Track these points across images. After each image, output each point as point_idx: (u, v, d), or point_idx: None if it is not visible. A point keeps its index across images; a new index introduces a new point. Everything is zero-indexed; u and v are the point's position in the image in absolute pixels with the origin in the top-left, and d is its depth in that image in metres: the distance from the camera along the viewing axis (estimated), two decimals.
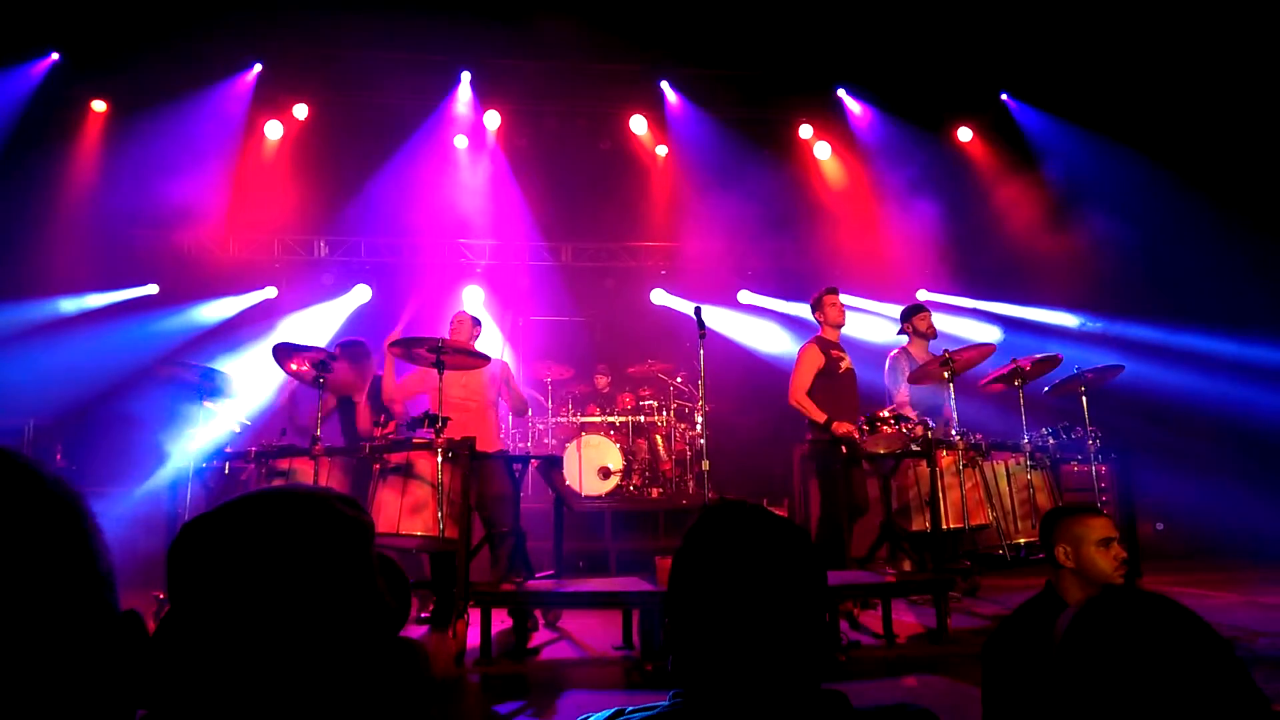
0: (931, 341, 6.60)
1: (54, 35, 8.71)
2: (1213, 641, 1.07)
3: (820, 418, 6.00)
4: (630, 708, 1.22)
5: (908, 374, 6.41)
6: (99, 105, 9.32)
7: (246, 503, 1.05)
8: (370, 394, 6.31)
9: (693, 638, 1.20)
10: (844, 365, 6.33)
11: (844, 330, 6.53)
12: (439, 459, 4.99)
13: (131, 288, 9.56)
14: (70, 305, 9.06)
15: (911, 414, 6.10)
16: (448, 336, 6.07)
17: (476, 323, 6.34)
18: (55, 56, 8.86)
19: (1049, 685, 1.16)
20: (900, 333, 6.74)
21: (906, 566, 5.78)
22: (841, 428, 5.87)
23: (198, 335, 9.39)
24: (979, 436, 5.73)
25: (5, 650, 0.63)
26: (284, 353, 5.51)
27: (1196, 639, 1.07)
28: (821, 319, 6.46)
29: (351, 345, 6.51)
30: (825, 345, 6.34)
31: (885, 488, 5.85)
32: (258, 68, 9.52)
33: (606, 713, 1.23)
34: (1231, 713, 1.02)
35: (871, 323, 9.44)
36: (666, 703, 1.20)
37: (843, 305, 6.49)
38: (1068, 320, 9.82)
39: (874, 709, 1.21)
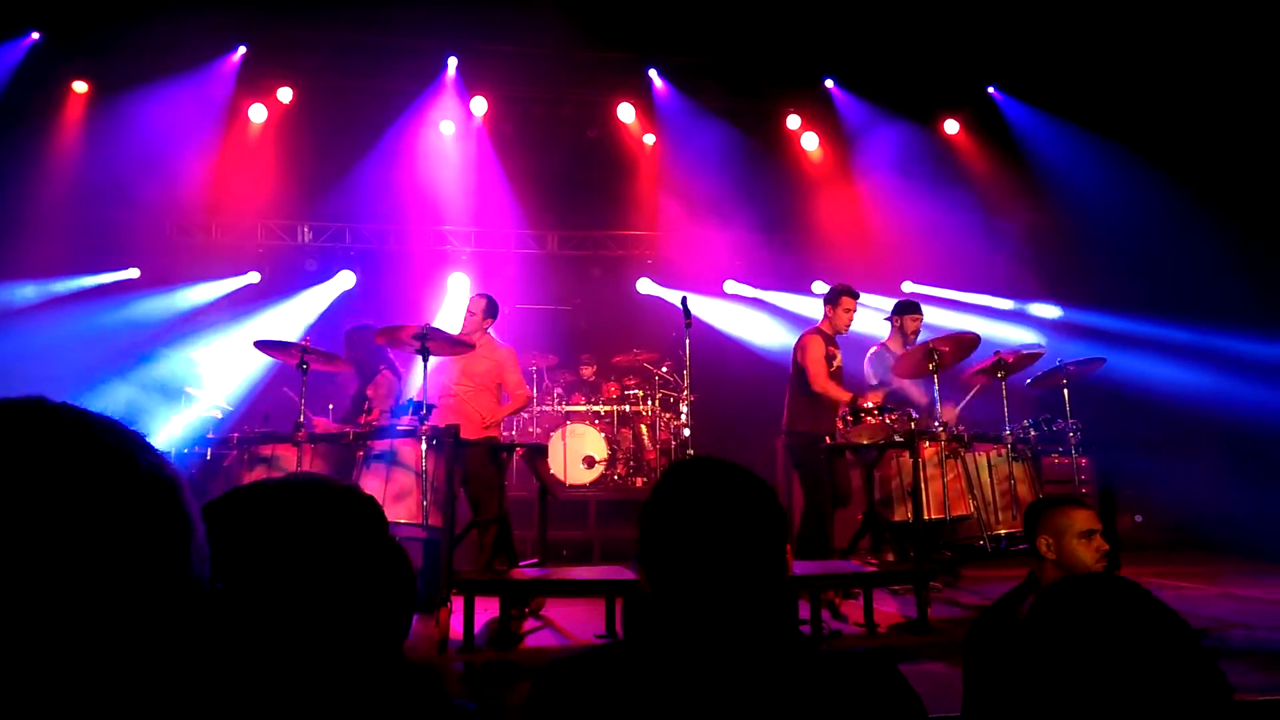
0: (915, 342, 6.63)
1: (34, 14, 8.57)
2: (1177, 627, 1.08)
3: (846, 397, 6.03)
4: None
5: (887, 370, 6.46)
6: (80, 86, 9.17)
7: (270, 488, 1.06)
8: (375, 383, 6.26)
9: (661, 575, 1.27)
10: (836, 363, 6.40)
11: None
12: (423, 446, 4.98)
13: (112, 271, 9.46)
14: (49, 288, 8.95)
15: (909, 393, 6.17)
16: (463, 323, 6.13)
17: (489, 306, 6.28)
18: (36, 36, 8.71)
19: (1017, 668, 1.18)
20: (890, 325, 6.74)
21: (889, 556, 5.82)
22: (872, 397, 5.93)
23: (179, 320, 9.31)
24: (961, 428, 5.77)
25: (95, 634, 0.63)
26: (267, 347, 5.54)
27: (1160, 624, 1.09)
28: (830, 315, 6.48)
29: (356, 331, 6.47)
30: (826, 339, 6.39)
31: (868, 478, 5.89)
32: (242, 50, 9.40)
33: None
34: (1193, 698, 1.04)
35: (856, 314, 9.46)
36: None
37: (855, 312, 6.48)
38: (1050, 312, 9.88)
39: (835, 652, 1.26)
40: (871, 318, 7.31)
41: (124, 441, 0.69)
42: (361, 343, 6.29)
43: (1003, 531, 5.58)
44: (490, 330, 6.34)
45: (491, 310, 6.24)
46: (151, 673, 0.65)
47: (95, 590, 0.63)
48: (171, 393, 6.01)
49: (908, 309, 6.67)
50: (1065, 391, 5.97)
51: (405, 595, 1.07)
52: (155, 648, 0.66)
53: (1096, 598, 1.13)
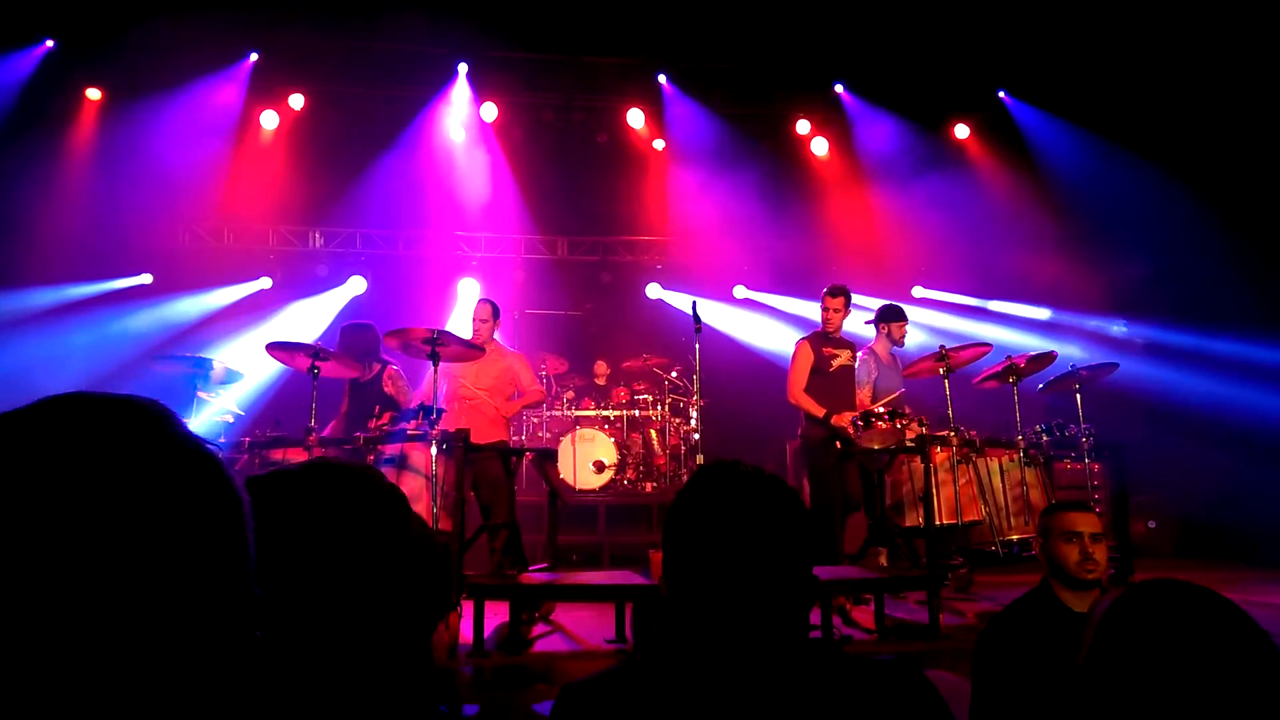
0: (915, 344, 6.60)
1: (49, 23, 8.65)
2: (1252, 631, 1.06)
3: (819, 412, 6.03)
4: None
5: (875, 375, 6.41)
6: (94, 93, 9.24)
7: (302, 470, 1.05)
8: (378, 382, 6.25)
9: (686, 584, 1.24)
10: (836, 363, 6.32)
11: (845, 325, 6.52)
12: (433, 450, 4.98)
13: (125, 277, 9.52)
14: (63, 294, 9.01)
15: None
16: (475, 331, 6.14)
17: (495, 312, 6.31)
18: (50, 44, 8.79)
19: (1077, 674, 1.16)
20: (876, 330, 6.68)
21: (887, 561, 5.79)
22: (842, 419, 5.90)
23: (191, 325, 9.36)
24: (973, 433, 5.74)
25: (161, 628, 0.63)
26: (278, 349, 5.54)
27: (1237, 629, 1.07)
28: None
29: (352, 329, 6.44)
30: (819, 342, 6.34)
31: (879, 484, 5.86)
32: (254, 57, 9.46)
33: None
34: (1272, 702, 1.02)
35: (865, 318, 9.42)
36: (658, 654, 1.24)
37: (839, 309, 6.38)
38: (1058, 317, 9.84)
39: (861, 659, 1.24)
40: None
41: (176, 425, 0.71)
42: (360, 340, 6.27)
43: (1015, 537, 5.54)
44: (497, 335, 6.38)
45: (497, 314, 6.32)
46: (208, 649, 0.66)
47: (154, 566, 0.64)
48: (182, 397, 6.02)
49: (893, 316, 6.61)
50: (1078, 396, 5.94)
51: (437, 591, 1.06)
52: (212, 628, 0.67)
53: (1171, 604, 1.11)
